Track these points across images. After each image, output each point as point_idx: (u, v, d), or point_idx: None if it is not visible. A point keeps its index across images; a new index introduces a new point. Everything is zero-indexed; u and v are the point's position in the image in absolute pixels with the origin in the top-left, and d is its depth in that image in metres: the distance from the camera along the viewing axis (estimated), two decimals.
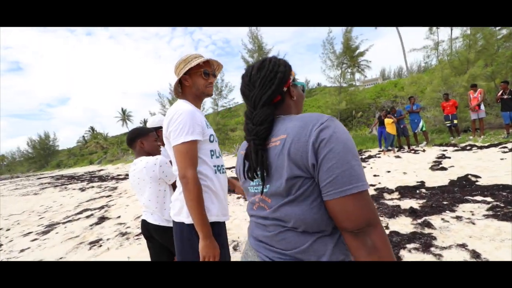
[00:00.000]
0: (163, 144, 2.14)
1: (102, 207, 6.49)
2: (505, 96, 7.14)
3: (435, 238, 2.48)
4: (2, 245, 4.43)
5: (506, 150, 5.93)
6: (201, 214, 1.11)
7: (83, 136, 62.15)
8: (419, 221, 2.93)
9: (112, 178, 14.63)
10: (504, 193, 3.38)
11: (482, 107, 7.73)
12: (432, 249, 2.29)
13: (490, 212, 2.89)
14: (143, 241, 3.60)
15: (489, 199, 3.30)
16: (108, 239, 3.91)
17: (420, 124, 8.50)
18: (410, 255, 2.26)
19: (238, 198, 5.35)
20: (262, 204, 0.77)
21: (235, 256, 2.71)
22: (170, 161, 1.50)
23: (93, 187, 11.50)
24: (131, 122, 54.80)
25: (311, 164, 0.63)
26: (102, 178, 15.33)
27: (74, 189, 11.83)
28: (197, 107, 1.30)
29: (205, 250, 1.10)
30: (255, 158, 0.72)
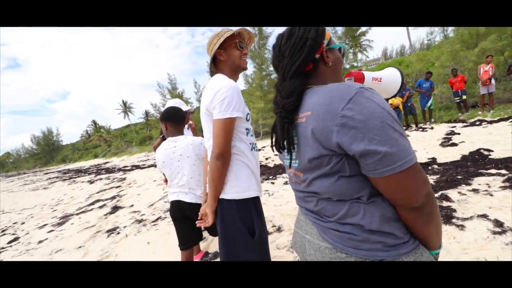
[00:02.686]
0: None
1: (113, 197, 6.57)
2: None
3: (455, 210, 2.48)
4: (19, 237, 4.52)
5: None
6: (220, 189, 1.17)
7: (86, 130, 62.26)
8: (436, 195, 2.92)
9: (119, 169, 14.76)
10: None
11: (493, 81, 7.55)
12: (454, 220, 2.29)
13: (507, 184, 2.86)
14: (160, 226, 3.66)
15: (503, 171, 3.27)
16: (125, 227, 3.97)
17: (429, 102, 8.34)
18: None
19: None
20: (295, 179, 0.78)
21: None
22: None
23: (101, 179, 11.62)
24: (133, 114, 54.73)
25: (336, 145, 0.60)
26: (109, 170, 15.47)
27: (83, 181, 11.97)
28: None
29: (211, 214, 1.21)
30: (280, 133, 0.71)
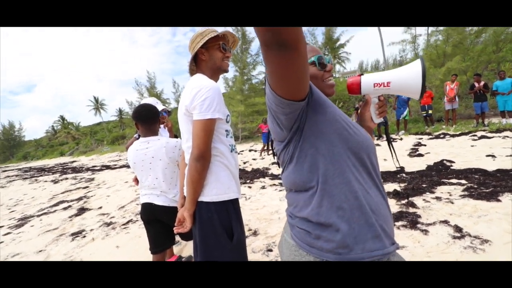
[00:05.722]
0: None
1: (80, 199, 6.19)
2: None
3: (419, 216, 2.63)
4: None
5: (475, 138, 6.37)
6: (200, 191, 1.15)
7: (52, 126, 58.30)
8: (403, 201, 3.09)
9: (88, 169, 13.97)
10: (476, 176, 3.64)
11: (457, 98, 8.21)
12: (419, 225, 2.43)
13: (466, 193, 3.10)
14: (131, 229, 3.50)
15: (463, 181, 3.54)
16: (91, 230, 3.74)
17: (405, 113, 8.77)
18: (399, 231, 2.38)
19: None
20: None
21: None
22: None
23: (67, 178, 10.91)
24: (105, 111, 52.17)
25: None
26: (76, 170, 14.58)
27: (46, 181, 11.16)
28: None
29: (189, 218, 1.16)
30: None
